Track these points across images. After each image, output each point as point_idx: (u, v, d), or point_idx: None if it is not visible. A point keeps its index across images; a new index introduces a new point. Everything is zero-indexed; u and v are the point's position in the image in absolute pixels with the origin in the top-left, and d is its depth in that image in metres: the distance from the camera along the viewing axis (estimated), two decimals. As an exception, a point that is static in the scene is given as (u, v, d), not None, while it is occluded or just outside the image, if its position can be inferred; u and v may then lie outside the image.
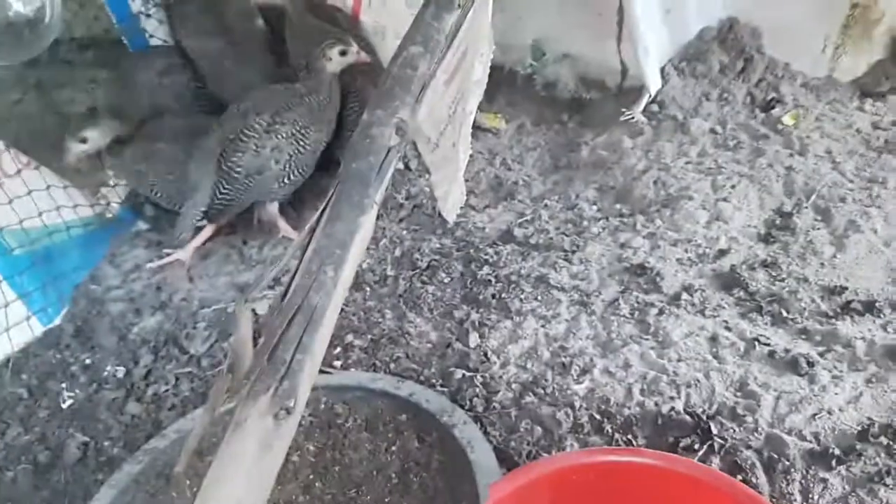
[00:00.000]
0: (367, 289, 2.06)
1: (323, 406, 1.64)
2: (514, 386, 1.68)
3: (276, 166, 2.26)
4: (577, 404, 1.60)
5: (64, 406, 1.86)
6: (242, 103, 2.31)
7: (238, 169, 2.23)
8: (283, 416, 0.81)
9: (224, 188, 2.26)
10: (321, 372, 1.74)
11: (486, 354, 1.77)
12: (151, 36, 2.83)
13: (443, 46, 1.64)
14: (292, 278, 0.95)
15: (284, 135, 2.25)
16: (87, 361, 1.99)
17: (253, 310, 1.03)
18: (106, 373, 1.93)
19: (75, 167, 2.30)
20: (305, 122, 2.27)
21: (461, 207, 2.24)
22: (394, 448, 1.53)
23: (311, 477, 1.49)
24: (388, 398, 1.64)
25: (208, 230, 2.35)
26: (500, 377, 1.71)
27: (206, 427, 0.93)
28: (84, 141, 2.20)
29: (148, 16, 2.79)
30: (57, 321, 2.15)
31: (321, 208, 1.02)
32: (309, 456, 1.53)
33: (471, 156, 2.52)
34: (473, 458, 1.46)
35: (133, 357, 1.97)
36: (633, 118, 2.58)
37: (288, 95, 2.30)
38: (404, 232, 2.28)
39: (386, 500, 1.43)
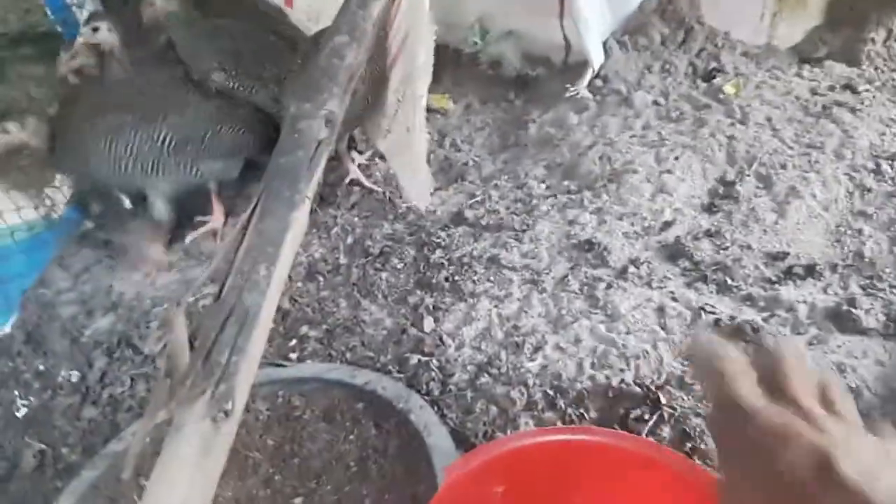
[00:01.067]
0: (321, 278, 2.06)
1: (280, 400, 1.65)
2: (469, 367, 1.70)
3: None
4: (530, 382, 1.62)
5: (18, 414, 1.84)
6: None
7: None
8: (221, 418, 0.82)
9: None
10: (277, 365, 1.76)
11: (440, 338, 1.79)
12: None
13: (372, 33, 1.63)
14: (225, 279, 0.95)
15: None
16: (41, 368, 1.97)
17: (188, 312, 1.03)
18: (60, 378, 1.91)
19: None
20: None
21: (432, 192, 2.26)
22: (352, 437, 1.54)
23: (271, 471, 1.49)
24: (345, 388, 1.65)
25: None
26: (456, 360, 1.73)
27: (148, 432, 0.93)
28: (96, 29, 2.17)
29: (81, 6, 2.72)
30: (7, 329, 2.12)
31: (252, 206, 1.02)
32: (268, 450, 1.54)
33: (421, 139, 2.54)
34: (430, 441, 1.48)
35: (87, 360, 1.95)
36: (577, 94, 2.61)
37: None
38: (356, 219, 2.28)
39: (345, 488, 1.44)
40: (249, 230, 0.99)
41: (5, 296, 2.16)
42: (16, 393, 1.90)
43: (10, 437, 1.79)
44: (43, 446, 1.74)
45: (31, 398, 1.87)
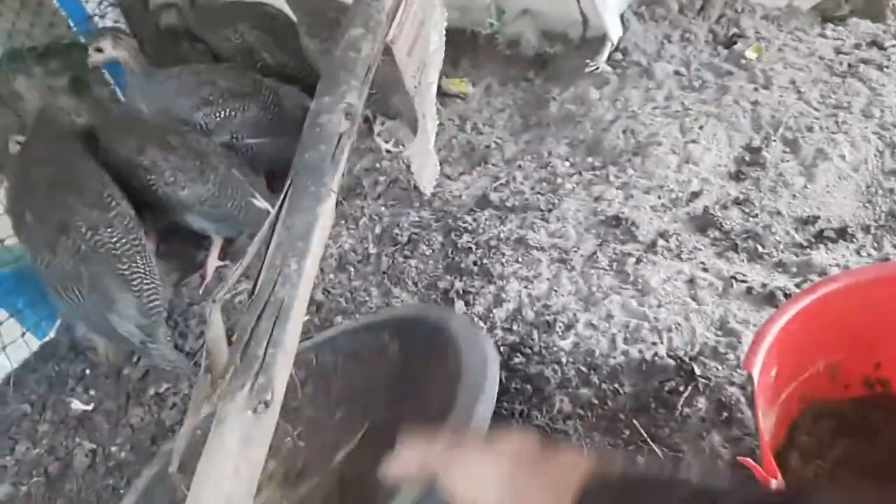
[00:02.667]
0: (351, 269, 2.09)
1: (316, 362, 1.63)
2: (502, 348, 1.72)
3: None
4: (563, 360, 1.64)
5: (68, 416, 1.90)
6: None
7: None
8: (261, 409, 0.84)
9: None
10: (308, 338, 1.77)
11: (472, 321, 1.81)
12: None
13: (391, 21, 1.64)
14: (258, 274, 0.97)
15: None
16: (86, 370, 2.03)
17: (224, 308, 1.05)
18: (105, 379, 1.97)
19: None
20: None
21: (436, 178, 2.28)
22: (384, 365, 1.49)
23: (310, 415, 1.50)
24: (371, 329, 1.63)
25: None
26: (488, 341, 1.75)
27: (191, 428, 0.97)
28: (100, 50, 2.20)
29: (102, 17, 2.77)
30: (51, 334, 2.19)
31: (279, 202, 1.04)
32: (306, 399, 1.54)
33: (441, 124, 2.54)
34: (463, 362, 1.27)
35: (129, 360, 2.00)
36: (597, 69, 2.59)
37: None
38: (382, 208, 2.30)
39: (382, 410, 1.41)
40: (278, 226, 1.02)
41: (48, 302, 2.22)
42: (63, 396, 1.96)
43: (61, 438, 1.86)
44: (93, 446, 1.81)
45: (79, 400, 1.94)
